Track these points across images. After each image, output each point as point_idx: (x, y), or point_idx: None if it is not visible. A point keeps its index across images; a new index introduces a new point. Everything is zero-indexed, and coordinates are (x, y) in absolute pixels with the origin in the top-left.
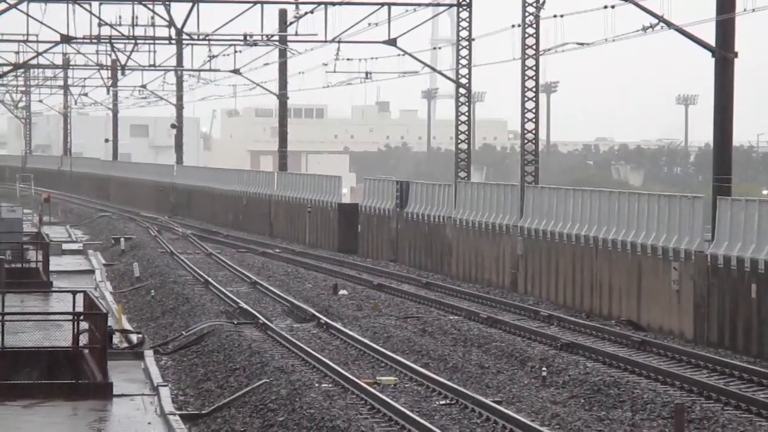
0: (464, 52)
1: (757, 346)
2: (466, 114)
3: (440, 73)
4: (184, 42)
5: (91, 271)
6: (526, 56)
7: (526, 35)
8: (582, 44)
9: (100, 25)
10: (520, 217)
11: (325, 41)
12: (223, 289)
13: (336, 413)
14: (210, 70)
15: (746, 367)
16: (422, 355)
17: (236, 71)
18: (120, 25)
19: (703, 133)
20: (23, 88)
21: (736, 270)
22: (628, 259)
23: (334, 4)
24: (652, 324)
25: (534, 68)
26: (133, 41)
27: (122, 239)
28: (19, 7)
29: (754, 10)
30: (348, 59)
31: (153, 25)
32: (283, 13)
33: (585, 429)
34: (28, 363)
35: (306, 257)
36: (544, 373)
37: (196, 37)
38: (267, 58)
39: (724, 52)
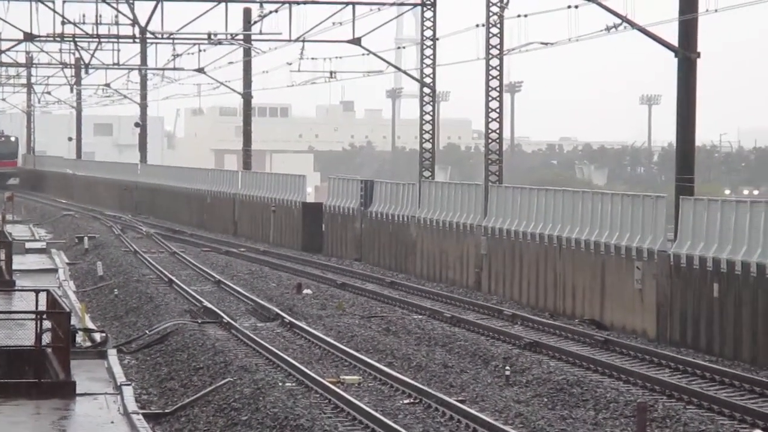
0: (428, 52)
1: (719, 345)
2: (431, 113)
3: (405, 72)
4: (148, 41)
5: (55, 270)
6: (491, 56)
7: (491, 35)
8: (546, 44)
9: (63, 23)
10: (484, 216)
11: (290, 40)
12: (186, 288)
13: (300, 412)
14: (174, 68)
15: (708, 366)
16: (386, 354)
17: (200, 70)
18: (83, 23)
19: (666, 133)
20: None
21: (699, 269)
22: (591, 258)
23: (298, 3)
24: (615, 323)
25: (498, 68)
26: (96, 40)
27: (86, 238)
28: None
29: (716, 11)
30: (312, 58)
31: (117, 23)
32: (247, 12)
33: (548, 428)
34: None
35: (270, 256)
36: (507, 372)
37: (160, 35)
38: (231, 57)
39: (686, 52)
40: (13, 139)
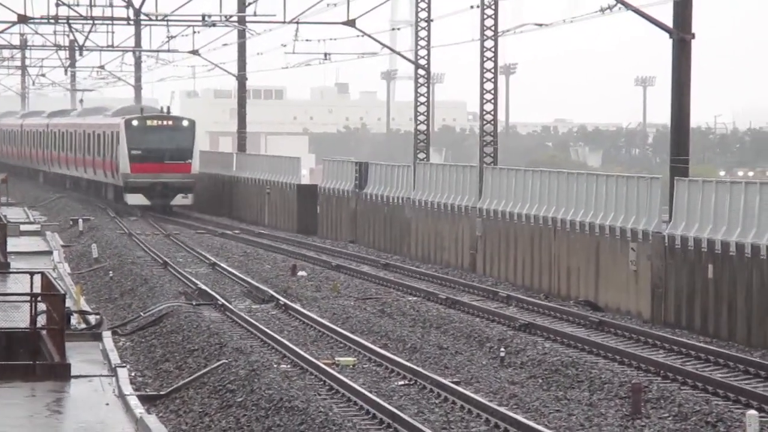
0: (423, 33)
1: (713, 326)
2: (425, 95)
3: (399, 54)
4: (142, 22)
5: (49, 252)
6: (485, 37)
7: (485, 16)
8: (540, 25)
9: (57, 5)
10: (478, 198)
11: (284, 22)
12: (181, 270)
13: (294, 394)
14: (168, 50)
15: (703, 347)
16: (381, 336)
17: (195, 52)
18: (78, 5)
19: (661, 115)
20: None
21: (693, 250)
22: (586, 239)
23: None
24: (610, 304)
25: (493, 49)
26: (91, 21)
27: (80, 220)
28: None
29: None
30: (307, 40)
31: (111, 5)
32: None
33: (543, 409)
34: None
35: (265, 238)
36: (502, 354)
37: (154, 17)
38: (225, 39)
39: (681, 34)
40: (185, 123)
